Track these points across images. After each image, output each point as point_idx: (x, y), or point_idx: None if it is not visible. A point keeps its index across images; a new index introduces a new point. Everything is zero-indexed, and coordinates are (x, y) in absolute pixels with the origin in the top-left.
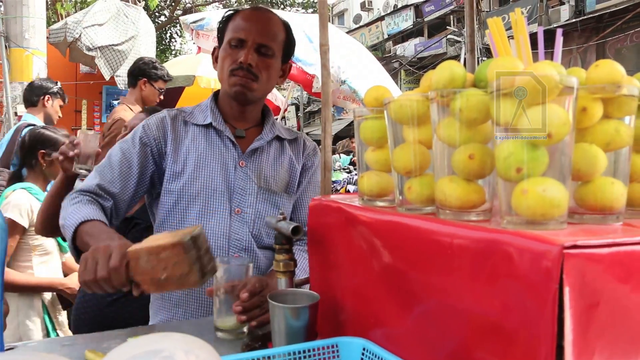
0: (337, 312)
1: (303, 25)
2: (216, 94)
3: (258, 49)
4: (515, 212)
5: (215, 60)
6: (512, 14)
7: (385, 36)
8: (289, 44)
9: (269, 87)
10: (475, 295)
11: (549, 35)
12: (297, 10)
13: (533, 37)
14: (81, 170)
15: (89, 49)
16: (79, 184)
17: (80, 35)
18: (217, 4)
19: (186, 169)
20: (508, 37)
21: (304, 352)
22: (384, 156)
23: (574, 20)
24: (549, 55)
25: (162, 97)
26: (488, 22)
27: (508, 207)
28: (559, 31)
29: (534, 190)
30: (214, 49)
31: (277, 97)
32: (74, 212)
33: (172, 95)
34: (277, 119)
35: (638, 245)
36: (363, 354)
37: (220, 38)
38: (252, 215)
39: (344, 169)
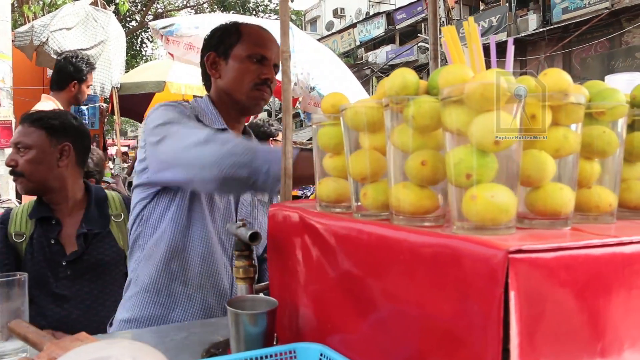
0: (296, 318)
1: (273, 32)
2: (209, 99)
3: (274, 66)
4: (465, 217)
5: (210, 65)
6: (465, 23)
7: (357, 43)
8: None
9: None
10: (427, 301)
11: (517, 44)
12: (270, 16)
13: (502, 45)
14: None
15: (57, 53)
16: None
17: (47, 39)
18: (189, 9)
19: None
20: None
21: (262, 358)
22: (341, 162)
23: (541, 29)
24: (502, 64)
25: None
26: (442, 31)
27: (458, 213)
28: (510, 40)
29: (482, 196)
30: (209, 54)
31: None
32: (262, 150)
33: (142, 101)
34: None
35: (583, 250)
36: (320, 359)
37: (224, 46)
38: (227, 225)
39: None
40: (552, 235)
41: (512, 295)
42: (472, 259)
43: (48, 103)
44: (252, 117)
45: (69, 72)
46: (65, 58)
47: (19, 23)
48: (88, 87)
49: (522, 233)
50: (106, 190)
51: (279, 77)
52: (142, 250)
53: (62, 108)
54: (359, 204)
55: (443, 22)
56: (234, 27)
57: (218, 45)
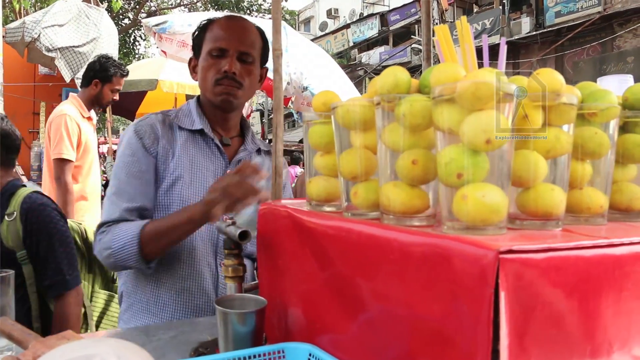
0: (285, 317)
1: (267, 31)
2: (197, 99)
3: (240, 56)
4: (456, 217)
5: (192, 70)
6: (458, 22)
7: (351, 44)
8: (265, 49)
9: (251, 93)
10: (416, 301)
11: (510, 47)
12: (264, 16)
13: (495, 48)
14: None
15: (49, 50)
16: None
17: (39, 36)
18: (182, 7)
19: (179, 174)
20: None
21: (250, 357)
22: (332, 161)
23: (534, 33)
24: (494, 66)
25: (116, 97)
26: (435, 30)
27: (449, 213)
28: (503, 40)
29: (473, 196)
30: (190, 59)
31: None
32: (119, 232)
33: (134, 99)
34: None
35: (574, 251)
36: (309, 359)
37: (196, 48)
38: (216, 223)
39: None
40: (543, 236)
41: (502, 295)
42: (463, 259)
43: (66, 106)
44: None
45: (94, 69)
46: (98, 57)
47: (10, 19)
48: (114, 91)
49: (513, 233)
50: (24, 188)
51: (271, 75)
52: None
53: (84, 108)
54: (350, 203)
55: (436, 24)
56: (204, 26)
57: (194, 48)
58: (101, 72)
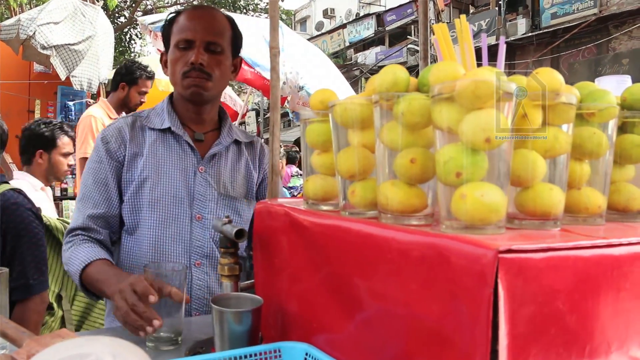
0: (282, 316)
1: (263, 30)
2: (171, 97)
3: (207, 47)
4: (455, 216)
5: (164, 65)
6: (457, 20)
7: (347, 44)
8: (237, 38)
9: (223, 84)
10: (414, 301)
11: (506, 48)
12: (260, 15)
13: (492, 49)
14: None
15: (44, 48)
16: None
17: (34, 33)
18: (178, 5)
19: (147, 175)
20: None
21: (246, 356)
22: (329, 160)
23: (530, 34)
24: (493, 66)
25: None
26: (433, 28)
27: (447, 212)
28: (502, 38)
29: (472, 195)
30: (162, 54)
31: (235, 101)
32: (72, 257)
33: None
34: (235, 124)
35: (573, 251)
36: (306, 359)
37: (166, 42)
38: (213, 222)
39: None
40: (542, 235)
41: (501, 295)
42: (461, 258)
43: (94, 109)
44: (239, 117)
45: (121, 73)
46: (125, 61)
47: (6, 16)
48: (140, 93)
49: (511, 233)
50: (4, 184)
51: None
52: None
53: (112, 110)
54: (347, 201)
55: (433, 24)
56: (171, 18)
57: (164, 43)
58: (127, 75)
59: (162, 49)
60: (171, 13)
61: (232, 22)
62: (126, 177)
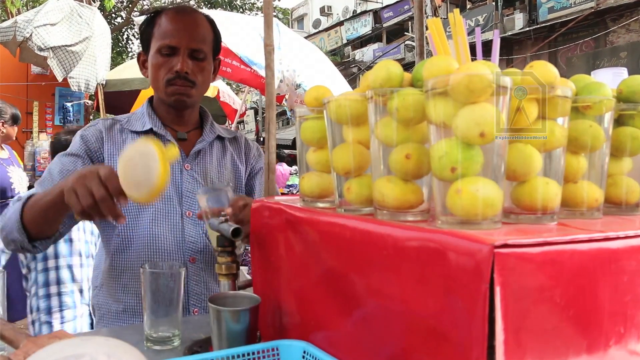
0: (279, 314)
1: (259, 29)
2: (150, 100)
3: (191, 54)
4: (450, 211)
5: (142, 65)
6: (450, 15)
7: (344, 41)
8: (217, 40)
9: (205, 89)
10: (411, 297)
11: (503, 43)
12: (257, 14)
13: (488, 45)
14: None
15: (41, 49)
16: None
17: (31, 35)
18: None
19: None
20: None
21: (244, 355)
22: (325, 157)
23: (527, 29)
24: (488, 60)
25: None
26: (428, 23)
27: (443, 207)
28: (496, 32)
29: (467, 190)
30: (139, 54)
31: (234, 100)
32: (14, 203)
33: (127, 98)
34: (234, 122)
35: (569, 245)
36: (304, 357)
37: (144, 43)
38: (210, 220)
39: None
40: (539, 230)
41: (497, 290)
42: (457, 253)
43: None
44: (237, 117)
45: None
46: None
47: (2, 18)
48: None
49: (507, 228)
50: None
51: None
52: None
53: None
54: (343, 198)
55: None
56: (150, 19)
57: (142, 42)
58: None
59: None
60: (150, 13)
61: (212, 23)
62: None
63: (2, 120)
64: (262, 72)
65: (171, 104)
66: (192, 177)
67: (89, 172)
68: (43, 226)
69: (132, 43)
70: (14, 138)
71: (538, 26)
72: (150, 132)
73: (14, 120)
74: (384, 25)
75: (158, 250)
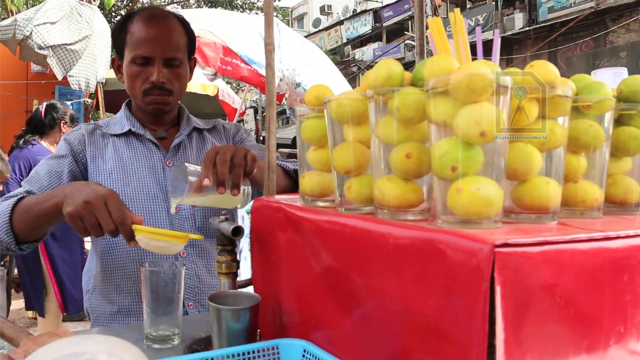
0: (280, 313)
1: (259, 28)
2: (128, 104)
3: (166, 62)
4: (451, 211)
5: (117, 70)
6: (451, 14)
7: (344, 40)
8: (191, 41)
9: (183, 92)
10: (411, 296)
11: (503, 43)
12: (257, 13)
13: (488, 44)
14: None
15: (41, 48)
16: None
17: (31, 33)
18: (175, 5)
19: (115, 178)
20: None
21: (244, 354)
22: (325, 156)
23: (527, 28)
24: (488, 60)
25: None
26: (428, 22)
27: (443, 206)
28: (496, 32)
29: (468, 189)
30: (113, 59)
31: (234, 99)
32: (3, 203)
33: (127, 97)
34: (234, 121)
35: (569, 244)
36: (304, 355)
37: (118, 48)
38: (190, 210)
39: None
40: (539, 229)
41: (497, 289)
42: (458, 253)
43: None
44: (237, 116)
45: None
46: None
47: (2, 17)
48: None
49: (508, 227)
50: None
51: (260, 66)
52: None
53: None
54: (343, 197)
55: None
56: (122, 24)
57: (115, 47)
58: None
59: None
60: (120, 18)
61: (186, 26)
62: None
63: (64, 121)
64: (262, 71)
65: (149, 112)
66: None
67: (94, 199)
68: (33, 231)
69: None
70: None
71: (538, 26)
72: (130, 133)
73: (72, 120)
74: (384, 24)
75: (141, 255)
